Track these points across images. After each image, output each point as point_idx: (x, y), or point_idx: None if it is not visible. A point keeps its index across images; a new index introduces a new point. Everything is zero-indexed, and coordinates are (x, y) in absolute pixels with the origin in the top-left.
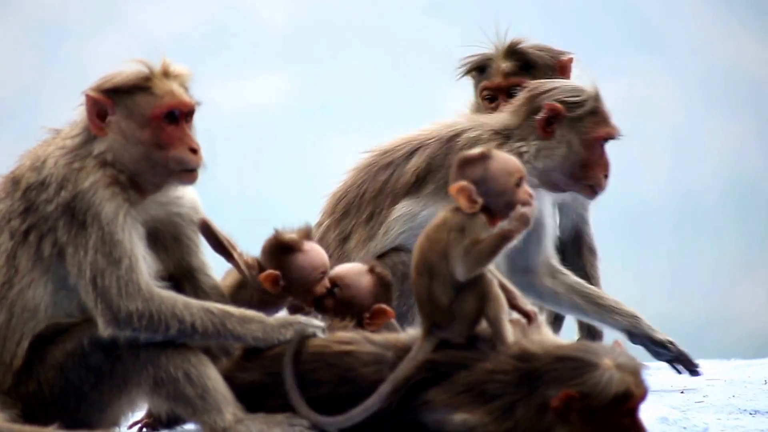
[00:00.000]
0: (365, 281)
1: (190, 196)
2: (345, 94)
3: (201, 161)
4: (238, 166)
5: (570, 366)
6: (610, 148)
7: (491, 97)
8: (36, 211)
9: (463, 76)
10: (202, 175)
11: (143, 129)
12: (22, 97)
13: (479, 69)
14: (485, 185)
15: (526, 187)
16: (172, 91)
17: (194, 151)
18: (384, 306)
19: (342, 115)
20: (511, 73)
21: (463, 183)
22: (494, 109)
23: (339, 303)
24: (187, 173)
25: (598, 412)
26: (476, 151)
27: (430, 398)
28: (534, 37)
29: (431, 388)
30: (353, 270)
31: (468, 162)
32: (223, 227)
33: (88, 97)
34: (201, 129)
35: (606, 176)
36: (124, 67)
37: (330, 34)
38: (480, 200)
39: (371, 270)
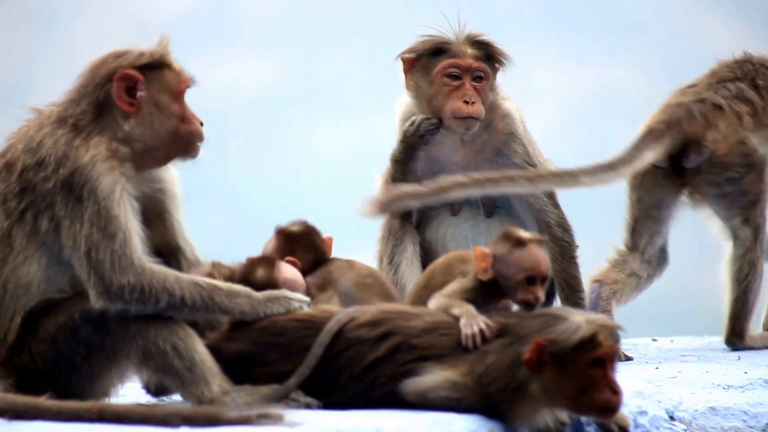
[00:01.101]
0: (270, 244)
1: (170, 173)
2: (335, 79)
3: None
4: (227, 150)
5: (541, 321)
6: (589, 133)
7: (457, 75)
8: (33, 191)
9: (420, 54)
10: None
11: (174, 103)
12: (13, 79)
13: (437, 51)
14: (500, 265)
15: (535, 289)
16: (182, 68)
17: (201, 124)
18: (289, 258)
19: (331, 100)
20: (478, 59)
21: (488, 251)
22: (456, 89)
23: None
24: (198, 146)
25: (566, 362)
26: (519, 233)
27: (410, 367)
28: (503, 24)
29: (411, 359)
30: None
31: (505, 237)
32: (212, 212)
33: (123, 73)
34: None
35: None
36: (131, 45)
37: (320, 19)
38: (491, 273)
39: (278, 232)
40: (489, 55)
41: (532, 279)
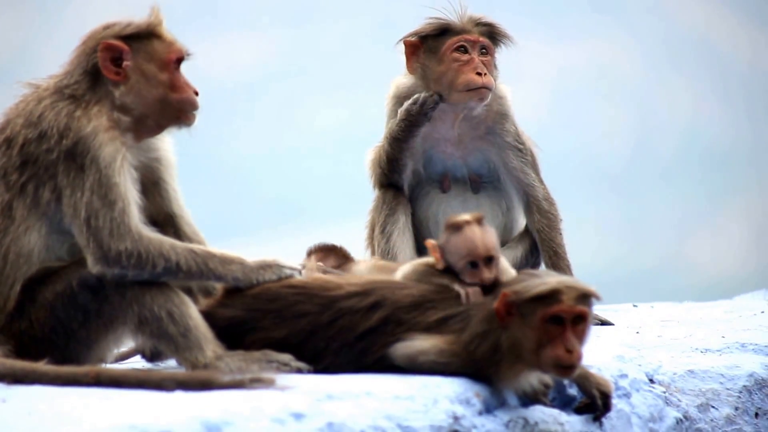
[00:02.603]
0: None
1: (165, 142)
2: (327, 56)
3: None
4: (221, 128)
5: (519, 278)
6: (576, 110)
7: (465, 49)
8: (36, 163)
9: (426, 36)
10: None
11: (162, 72)
12: (19, 57)
13: (443, 31)
14: (446, 253)
15: (480, 272)
16: (174, 39)
17: (197, 93)
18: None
19: (324, 76)
20: (483, 35)
21: (435, 243)
22: (466, 63)
23: None
24: (192, 115)
25: (527, 314)
26: (456, 219)
27: (400, 336)
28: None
29: (401, 331)
30: None
31: (446, 225)
32: (207, 191)
33: (106, 44)
34: None
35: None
36: (123, 16)
37: None
38: (443, 263)
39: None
40: (492, 34)
41: (474, 263)
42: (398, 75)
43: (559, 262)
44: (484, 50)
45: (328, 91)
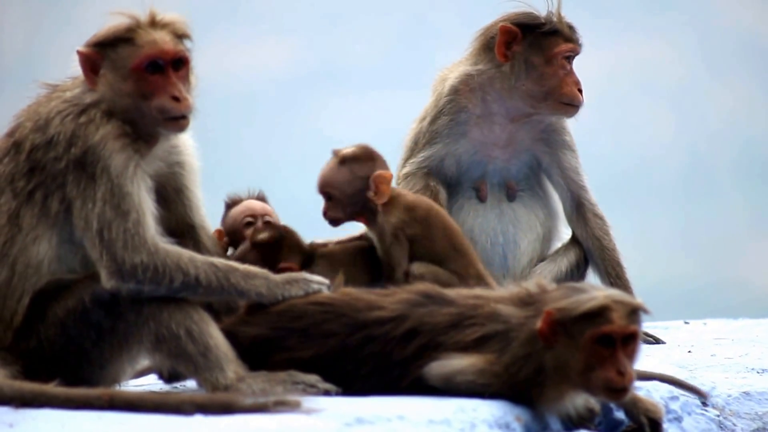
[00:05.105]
0: (251, 258)
1: (187, 145)
2: (350, 59)
3: (186, 108)
4: (244, 131)
5: (563, 292)
6: (614, 108)
7: (571, 57)
8: (43, 170)
9: (531, 29)
10: (207, 133)
11: (126, 80)
12: (21, 55)
13: (553, 31)
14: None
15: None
16: (154, 40)
17: (176, 98)
18: (283, 265)
19: (347, 80)
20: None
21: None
22: (569, 74)
23: None
24: (173, 121)
25: (575, 334)
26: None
27: (434, 354)
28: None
29: (437, 350)
30: (239, 251)
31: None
32: (228, 191)
33: (79, 53)
34: (209, 95)
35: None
36: (112, 20)
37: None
38: None
39: (253, 245)
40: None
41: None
42: (444, 68)
43: (622, 274)
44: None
45: (352, 94)
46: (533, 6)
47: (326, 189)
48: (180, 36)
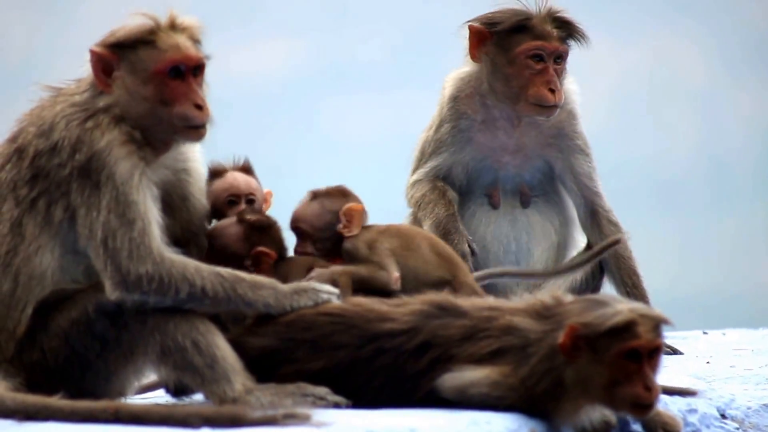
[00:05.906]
0: (233, 231)
1: (193, 150)
2: (356, 60)
3: (207, 117)
4: (249, 132)
5: (584, 305)
6: (638, 118)
7: (541, 57)
8: (47, 178)
9: (498, 28)
10: (213, 135)
11: (147, 85)
12: (22, 56)
13: (519, 28)
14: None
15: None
16: (177, 44)
17: (199, 107)
18: (262, 249)
19: (353, 82)
20: (562, 40)
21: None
22: (539, 73)
23: (217, 254)
24: (193, 130)
25: (600, 349)
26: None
27: (447, 366)
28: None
29: (450, 363)
30: (222, 223)
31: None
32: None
33: (92, 52)
34: (210, 96)
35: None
36: (130, 20)
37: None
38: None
39: (240, 220)
40: (569, 35)
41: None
42: (452, 71)
43: (639, 283)
44: (558, 59)
45: (361, 96)
46: (528, 4)
47: (296, 224)
48: (196, 41)
